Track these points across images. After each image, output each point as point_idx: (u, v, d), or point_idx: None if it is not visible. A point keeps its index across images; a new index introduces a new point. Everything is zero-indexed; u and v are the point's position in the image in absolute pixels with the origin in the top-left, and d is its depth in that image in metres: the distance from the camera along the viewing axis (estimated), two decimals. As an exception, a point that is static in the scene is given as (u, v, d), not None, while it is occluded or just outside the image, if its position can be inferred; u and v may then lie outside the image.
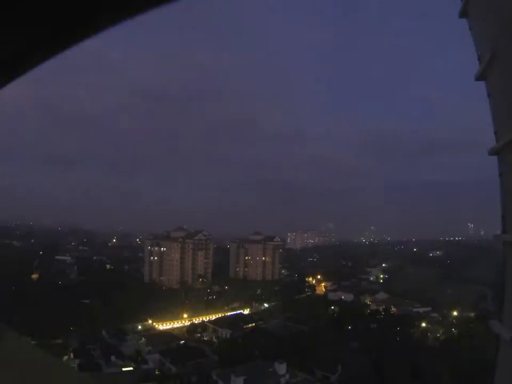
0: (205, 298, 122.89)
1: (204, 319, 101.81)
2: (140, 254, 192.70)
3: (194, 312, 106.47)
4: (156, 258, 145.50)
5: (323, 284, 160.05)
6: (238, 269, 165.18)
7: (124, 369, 60.12)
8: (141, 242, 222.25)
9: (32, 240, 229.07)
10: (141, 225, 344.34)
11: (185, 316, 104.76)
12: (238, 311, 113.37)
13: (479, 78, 13.46)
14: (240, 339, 77.09)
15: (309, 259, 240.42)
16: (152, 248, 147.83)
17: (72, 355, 64.02)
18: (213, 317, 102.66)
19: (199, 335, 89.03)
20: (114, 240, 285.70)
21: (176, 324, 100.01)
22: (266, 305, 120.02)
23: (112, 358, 61.39)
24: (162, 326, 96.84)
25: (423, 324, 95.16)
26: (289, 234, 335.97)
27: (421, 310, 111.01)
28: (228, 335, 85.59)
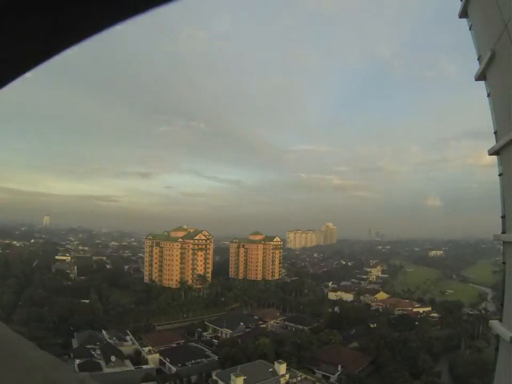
0: (205, 298, 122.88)
1: (204, 319, 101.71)
2: (139, 254, 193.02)
3: (194, 312, 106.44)
4: (156, 258, 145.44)
5: (323, 284, 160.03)
6: (238, 269, 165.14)
7: (123, 369, 60.09)
8: (140, 242, 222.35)
9: (32, 240, 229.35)
10: (141, 225, 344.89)
11: (185, 315, 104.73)
12: (238, 311, 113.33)
13: (479, 78, 13.46)
14: (240, 339, 77.06)
15: (309, 259, 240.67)
16: (152, 248, 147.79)
17: (72, 355, 63.99)
18: (213, 317, 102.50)
19: (199, 335, 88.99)
20: (113, 241, 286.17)
21: (176, 324, 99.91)
22: (266, 305, 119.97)
23: (112, 358, 61.29)
24: (162, 326, 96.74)
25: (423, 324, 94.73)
26: (289, 234, 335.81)
27: (421, 310, 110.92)
28: (228, 335, 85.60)
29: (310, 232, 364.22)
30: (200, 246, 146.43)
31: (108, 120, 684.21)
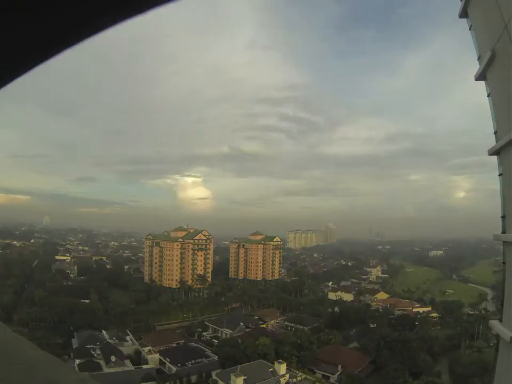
0: (205, 298, 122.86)
1: (204, 319, 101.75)
2: (140, 254, 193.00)
3: (194, 312, 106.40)
4: (156, 258, 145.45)
5: (323, 284, 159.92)
6: (238, 269, 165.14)
7: (124, 369, 60.11)
8: (140, 242, 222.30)
9: (32, 240, 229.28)
10: (141, 225, 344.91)
11: (185, 315, 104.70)
12: (238, 311, 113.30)
13: (479, 78, 13.45)
14: (240, 339, 77.06)
15: (309, 259, 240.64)
16: (152, 248, 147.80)
17: (72, 355, 64.01)
18: (213, 317, 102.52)
19: (199, 335, 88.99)
20: (113, 241, 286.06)
21: (176, 324, 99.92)
22: (266, 305, 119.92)
23: (112, 358, 61.34)
24: (162, 326, 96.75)
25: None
26: (289, 234, 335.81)
27: (421, 310, 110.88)
28: (228, 335, 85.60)
29: (310, 232, 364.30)
30: (200, 246, 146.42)
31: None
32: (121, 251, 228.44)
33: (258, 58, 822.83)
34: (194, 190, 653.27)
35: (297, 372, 63.79)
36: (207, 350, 73.33)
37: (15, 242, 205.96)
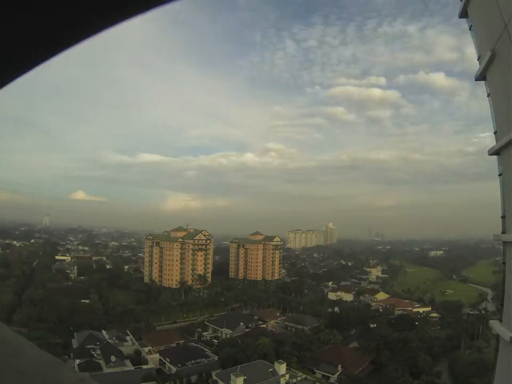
0: (205, 298, 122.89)
1: (204, 318, 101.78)
2: (139, 254, 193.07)
3: (194, 312, 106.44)
4: (156, 258, 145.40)
5: (323, 284, 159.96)
6: (238, 269, 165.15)
7: (124, 369, 60.13)
8: (140, 242, 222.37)
9: (32, 240, 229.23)
10: (141, 225, 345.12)
11: (185, 315, 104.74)
12: (238, 311, 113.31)
13: (479, 78, 13.46)
14: (240, 339, 77.07)
15: (309, 259, 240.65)
16: (152, 248, 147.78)
17: (72, 355, 64.02)
18: (213, 317, 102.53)
19: (199, 335, 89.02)
20: (113, 241, 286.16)
21: (176, 324, 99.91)
22: (266, 305, 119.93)
23: (112, 358, 61.34)
24: (162, 326, 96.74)
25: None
26: (289, 234, 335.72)
27: (421, 310, 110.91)
28: (228, 335, 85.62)
29: (310, 232, 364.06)
30: (200, 246, 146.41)
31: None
32: (121, 251, 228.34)
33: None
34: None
35: (297, 372, 63.82)
36: (207, 350, 73.31)
37: (15, 242, 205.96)
